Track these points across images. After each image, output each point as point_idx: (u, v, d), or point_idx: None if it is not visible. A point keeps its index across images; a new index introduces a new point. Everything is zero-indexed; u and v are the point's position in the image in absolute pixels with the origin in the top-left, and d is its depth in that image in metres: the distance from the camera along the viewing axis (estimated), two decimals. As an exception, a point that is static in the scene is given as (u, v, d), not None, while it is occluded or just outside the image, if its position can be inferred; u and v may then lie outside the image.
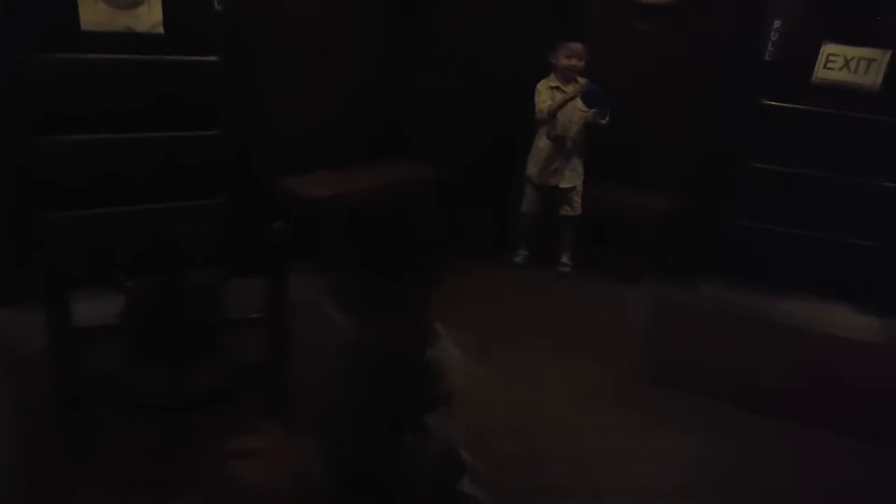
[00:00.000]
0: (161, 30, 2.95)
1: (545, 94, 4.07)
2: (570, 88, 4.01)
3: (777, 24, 3.44)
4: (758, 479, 2.56)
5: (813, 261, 3.72)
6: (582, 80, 3.99)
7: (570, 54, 4.01)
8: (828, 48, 3.43)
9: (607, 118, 3.99)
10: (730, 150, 3.71)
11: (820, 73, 3.46)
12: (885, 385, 3.10)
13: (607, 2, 4.16)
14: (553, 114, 4.04)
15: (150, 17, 2.92)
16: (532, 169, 4.24)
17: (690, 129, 4.06)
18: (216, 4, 3.05)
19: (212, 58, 3.08)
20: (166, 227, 3.05)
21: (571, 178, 4.20)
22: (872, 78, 3.40)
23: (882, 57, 3.37)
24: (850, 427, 2.80)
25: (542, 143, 4.18)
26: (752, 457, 2.68)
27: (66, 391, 1.82)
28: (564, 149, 4.15)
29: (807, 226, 3.63)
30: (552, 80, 4.11)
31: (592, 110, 3.98)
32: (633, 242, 4.15)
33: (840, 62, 3.43)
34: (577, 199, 4.24)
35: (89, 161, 2.90)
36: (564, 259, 4.38)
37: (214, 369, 1.95)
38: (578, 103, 3.99)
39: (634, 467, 2.58)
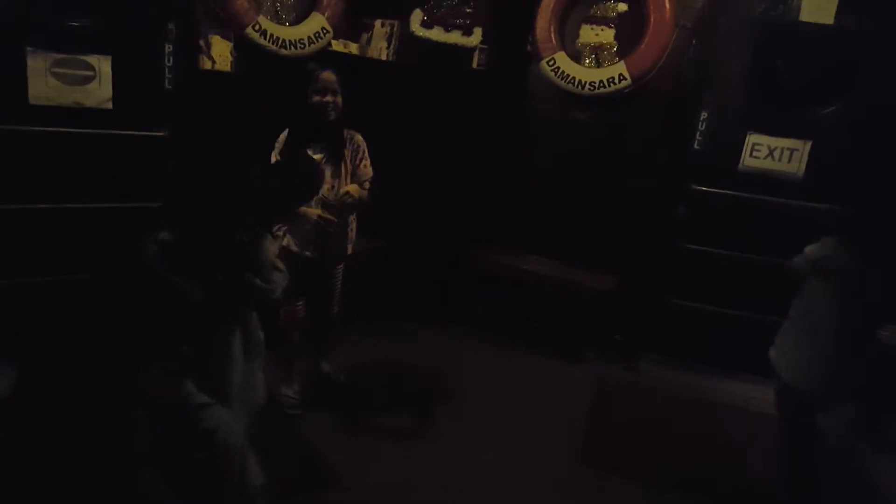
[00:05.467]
0: (110, 105, 3.03)
1: None
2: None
3: (704, 114, 3.66)
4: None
5: (748, 340, 3.80)
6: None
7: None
8: (753, 138, 3.64)
9: None
10: (665, 233, 3.85)
11: (746, 160, 3.67)
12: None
13: (549, 93, 4.37)
14: None
15: (100, 93, 3.00)
16: None
17: (627, 211, 4.22)
18: (167, 83, 3.16)
19: (160, 132, 3.17)
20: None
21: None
22: (795, 166, 3.61)
23: (804, 147, 3.59)
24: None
25: None
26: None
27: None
28: None
29: (739, 305, 3.74)
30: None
31: None
32: (573, 320, 4.20)
33: (765, 151, 3.65)
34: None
35: (26, 229, 2.91)
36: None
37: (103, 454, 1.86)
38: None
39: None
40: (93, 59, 2.94)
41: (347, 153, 3.11)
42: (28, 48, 2.77)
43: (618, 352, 4.13)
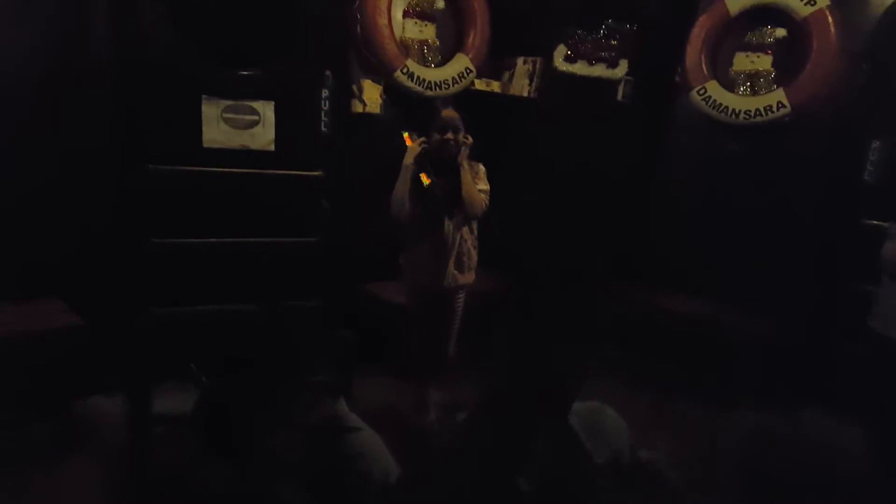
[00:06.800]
0: (272, 147, 3.27)
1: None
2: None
3: (876, 143, 3.35)
4: None
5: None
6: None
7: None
8: (936, 167, 3.28)
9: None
10: (828, 271, 3.53)
11: (929, 193, 3.29)
12: None
13: (699, 124, 4.18)
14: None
15: (263, 136, 3.25)
16: None
17: (783, 247, 3.90)
18: (322, 126, 3.37)
19: (316, 172, 3.38)
20: (262, 327, 3.22)
21: None
22: None
23: None
24: None
25: None
26: None
27: (136, 480, 1.90)
28: None
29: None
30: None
31: None
32: (724, 364, 3.90)
33: (952, 182, 3.26)
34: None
35: (199, 263, 3.18)
36: None
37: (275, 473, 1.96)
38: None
39: None
40: (258, 105, 3.19)
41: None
42: (203, 96, 3.06)
43: (775, 400, 3.79)
